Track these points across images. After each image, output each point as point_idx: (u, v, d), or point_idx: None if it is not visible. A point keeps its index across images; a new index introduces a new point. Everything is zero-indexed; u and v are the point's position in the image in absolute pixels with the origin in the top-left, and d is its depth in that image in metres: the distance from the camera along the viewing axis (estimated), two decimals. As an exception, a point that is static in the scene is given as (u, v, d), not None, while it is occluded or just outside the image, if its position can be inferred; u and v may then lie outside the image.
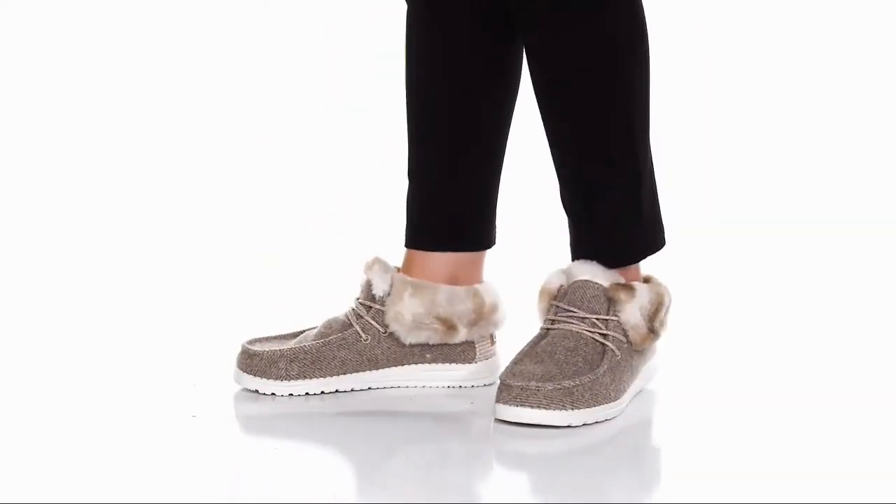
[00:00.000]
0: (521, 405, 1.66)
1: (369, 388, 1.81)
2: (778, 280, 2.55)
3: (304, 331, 1.85)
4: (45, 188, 3.06)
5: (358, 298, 1.83)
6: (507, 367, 1.71)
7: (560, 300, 1.75)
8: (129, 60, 3.26)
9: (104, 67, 3.26)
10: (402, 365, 1.82)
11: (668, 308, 1.78)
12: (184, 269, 2.62)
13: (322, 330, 1.82)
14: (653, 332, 1.76)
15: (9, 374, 1.91)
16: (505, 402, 1.66)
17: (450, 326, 1.81)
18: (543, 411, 1.66)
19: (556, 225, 1.86)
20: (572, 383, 1.67)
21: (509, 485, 1.54)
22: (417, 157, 1.84)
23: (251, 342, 1.82)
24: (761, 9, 3.26)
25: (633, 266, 1.79)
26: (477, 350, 1.84)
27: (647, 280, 1.81)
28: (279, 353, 1.78)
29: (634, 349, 1.75)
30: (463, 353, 1.84)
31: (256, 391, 1.79)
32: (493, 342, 1.86)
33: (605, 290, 1.74)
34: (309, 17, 3.28)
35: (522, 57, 1.80)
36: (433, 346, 1.82)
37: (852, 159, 3.14)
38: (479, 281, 1.85)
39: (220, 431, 1.67)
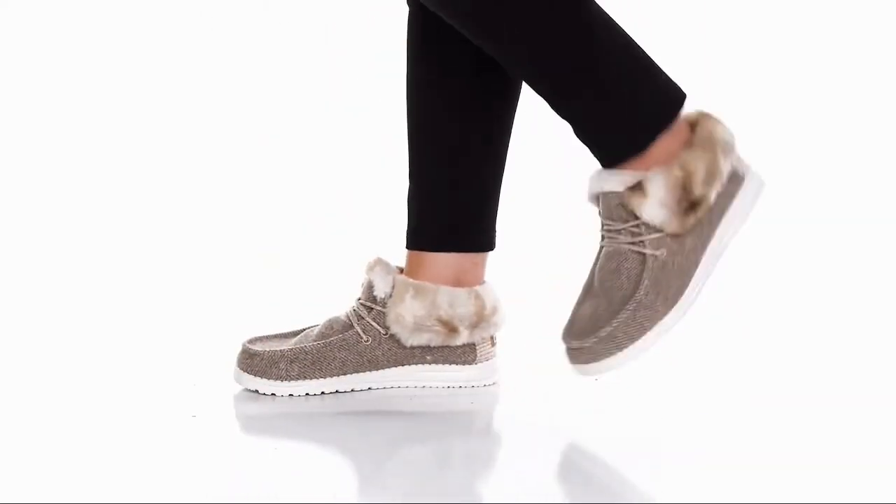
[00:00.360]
0: (581, 363, 1.69)
1: (369, 389, 1.82)
2: (776, 272, 2.55)
3: (304, 329, 1.85)
4: (45, 188, 3.06)
5: (359, 299, 1.83)
6: (573, 310, 1.72)
7: (601, 214, 1.72)
8: (128, 60, 3.26)
9: (104, 68, 3.26)
10: (403, 366, 1.82)
11: (708, 168, 1.68)
12: (184, 268, 2.62)
13: (323, 330, 1.82)
14: (693, 206, 1.68)
15: (9, 375, 1.91)
16: (573, 363, 1.70)
17: (451, 329, 1.81)
18: (599, 362, 1.68)
19: (555, 227, 1.86)
20: (610, 328, 1.67)
21: (510, 484, 1.54)
22: (418, 156, 1.83)
23: (251, 341, 1.82)
24: (754, 15, 3.26)
25: (653, 146, 1.69)
26: (478, 351, 1.84)
27: (693, 125, 1.70)
28: (280, 353, 1.78)
29: (684, 233, 1.69)
30: (463, 354, 1.83)
31: (256, 391, 1.79)
32: (493, 343, 1.86)
33: (620, 196, 1.69)
34: (309, 17, 3.28)
35: None
36: (434, 347, 1.82)
37: (847, 155, 3.15)
38: (481, 282, 1.85)
39: (220, 431, 1.67)
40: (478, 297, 1.83)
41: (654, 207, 1.67)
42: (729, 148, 1.71)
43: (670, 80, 1.70)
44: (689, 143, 1.70)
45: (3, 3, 3.28)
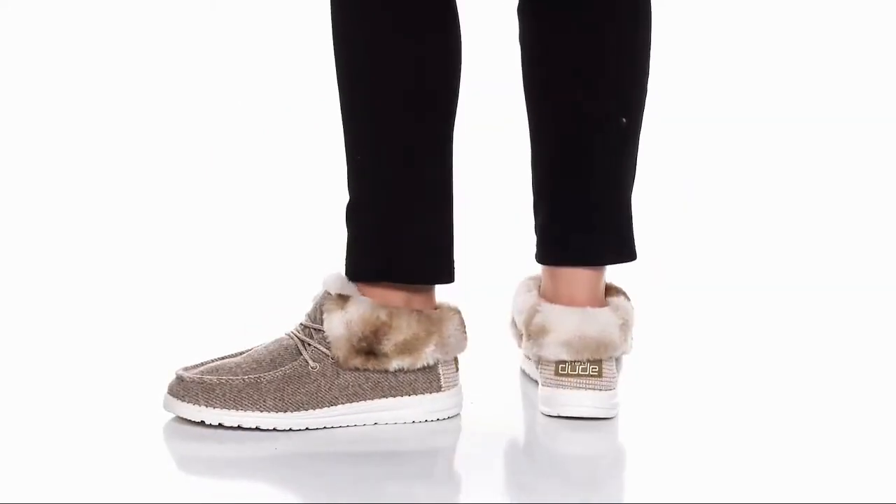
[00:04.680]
0: (173, 396, 1.66)
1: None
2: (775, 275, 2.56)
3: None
4: (43, 188, 3.05)
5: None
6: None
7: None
8: (128, 61, 3.26)
9: (104, 68, 3.26)
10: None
11: (412, 340, 1.68)
12: (184, 268, 2.62)
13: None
14: (369, 353, 1.67)
15: (8, 376, 1.91)
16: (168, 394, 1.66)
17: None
18: (181, 402, 1.65)
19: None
20: (217, 379, 1.64)
21: None
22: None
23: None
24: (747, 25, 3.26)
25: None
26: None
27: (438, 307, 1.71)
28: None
29: (341, 366, 1.67)
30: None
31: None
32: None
33: (322, 297, 1.69)
34: (310, 17, 3.28)
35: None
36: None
37: (846, 155, 3.15)
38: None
39: (221, 431, 1.66)
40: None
41: (339, 324, 1.67)
42: (462, 349, 1.72)
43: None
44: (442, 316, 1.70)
45: (2, 4, 3.28)
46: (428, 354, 1.69)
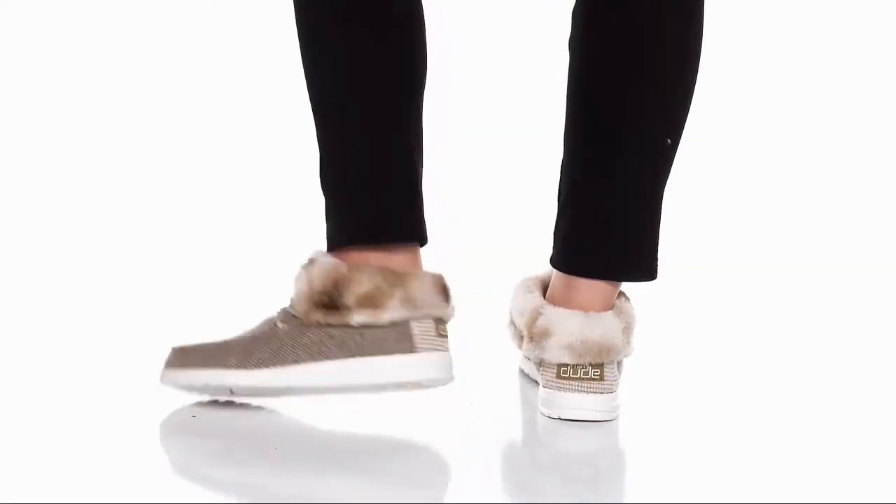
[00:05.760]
0: (164, 367, 1.72)
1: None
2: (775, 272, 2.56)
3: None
4: (41, 187, 3.06)
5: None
6: None
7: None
8: (127, 60, 3.27)
9: (104, 68, 3.26)
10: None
11: (373, 292, 1.64)
12: (183, 268, 2.62)
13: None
14: (330, 306, 1.64)
15: (8, 376, 1.91)
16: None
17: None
18: (165, 370, 1.71)
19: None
20: (195, 345, 1.68)
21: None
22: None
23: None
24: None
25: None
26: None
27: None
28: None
29: (304, 322, 1.66)
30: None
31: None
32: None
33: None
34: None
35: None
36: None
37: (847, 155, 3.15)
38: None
39: (220, 431, 1.67)
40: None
41: (302, 285, 1.67)
42: (441, 311, 1.67)
43: None
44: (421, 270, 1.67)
45: (3, 4, 3.28)
46: (392, 309, 1.63)
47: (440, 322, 1.67)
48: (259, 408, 1.73)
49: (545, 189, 1.98)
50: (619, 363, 1.76)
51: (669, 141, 1.69)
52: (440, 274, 1.69)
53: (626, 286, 1.77)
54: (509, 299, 1.84)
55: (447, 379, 1.67)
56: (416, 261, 1.68)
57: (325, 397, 1.69)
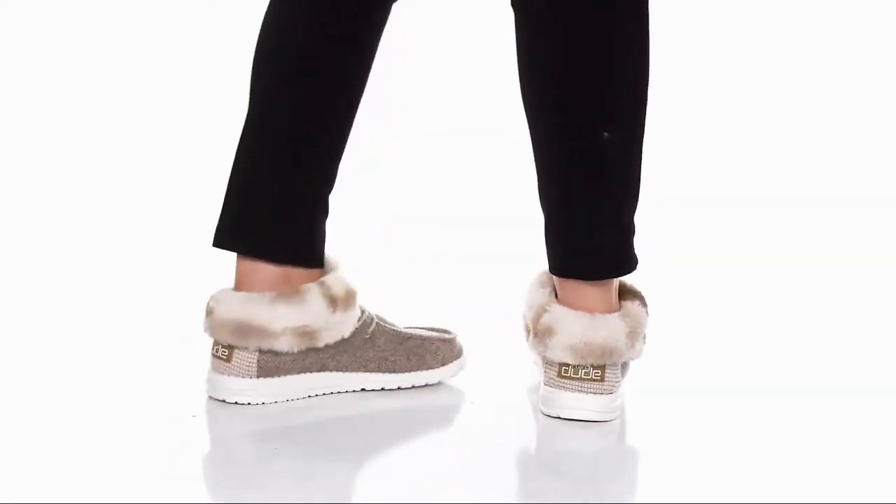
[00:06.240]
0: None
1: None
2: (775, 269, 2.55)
3: None
4: (40, 187, 3.05)
5: None
6: None
7: None
8: (127, 60, 3.26)
9: (104, 68, 3.26)
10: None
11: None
12: (183, 268, 2.62)
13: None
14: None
15: (9, 376, 1.91)
16: None
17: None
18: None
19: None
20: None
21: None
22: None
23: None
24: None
25: None
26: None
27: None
28: None
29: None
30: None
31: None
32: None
33: None
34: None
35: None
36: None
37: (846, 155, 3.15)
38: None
39: (220, 431, 1.67)
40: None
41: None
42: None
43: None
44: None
45: (3, 4, 3.28)
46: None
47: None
48: (259, 408, 1.73)
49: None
50: (625, 365, 1.76)
51: (606, 135, 1.68)
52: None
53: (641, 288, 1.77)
54: (525, 292, 1.84)
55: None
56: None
57: (321, 399, 1.72)
